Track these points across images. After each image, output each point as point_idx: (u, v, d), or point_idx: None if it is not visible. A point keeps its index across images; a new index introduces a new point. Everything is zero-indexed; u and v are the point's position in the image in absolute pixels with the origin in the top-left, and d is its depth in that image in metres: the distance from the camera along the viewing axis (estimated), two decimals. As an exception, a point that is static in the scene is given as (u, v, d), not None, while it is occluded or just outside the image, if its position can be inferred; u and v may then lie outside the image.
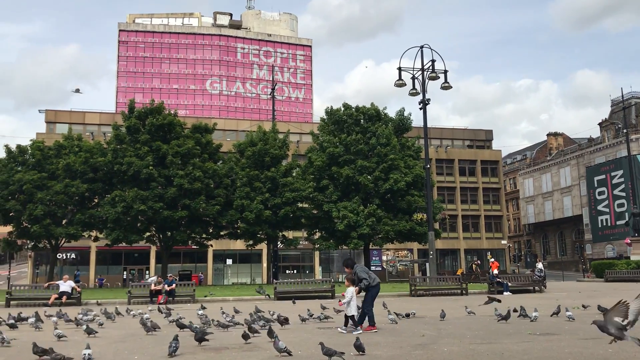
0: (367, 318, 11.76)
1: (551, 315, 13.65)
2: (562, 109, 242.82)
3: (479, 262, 50.64)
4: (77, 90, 32.19)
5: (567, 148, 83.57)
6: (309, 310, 14.30)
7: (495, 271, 29.58)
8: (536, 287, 28.10)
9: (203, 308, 15.98)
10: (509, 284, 27.01)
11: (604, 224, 68.24)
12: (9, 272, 59.07)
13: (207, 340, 9.82)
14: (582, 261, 68.51)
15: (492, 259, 37.22)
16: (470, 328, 11.96)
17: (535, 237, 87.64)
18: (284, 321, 12.31)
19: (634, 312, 6.73)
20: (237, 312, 15.68)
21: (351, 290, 11.63)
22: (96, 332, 11.57)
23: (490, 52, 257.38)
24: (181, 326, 11.65)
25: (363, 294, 12.13)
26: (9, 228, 40.35)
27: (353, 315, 11.55)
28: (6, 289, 32.65)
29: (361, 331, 11.19)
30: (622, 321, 6.77)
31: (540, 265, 34.11)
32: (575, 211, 75.18)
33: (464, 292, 26.02)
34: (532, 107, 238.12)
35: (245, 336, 9.82)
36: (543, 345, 9.23)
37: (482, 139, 73.17)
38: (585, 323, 12.45)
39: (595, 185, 68.79)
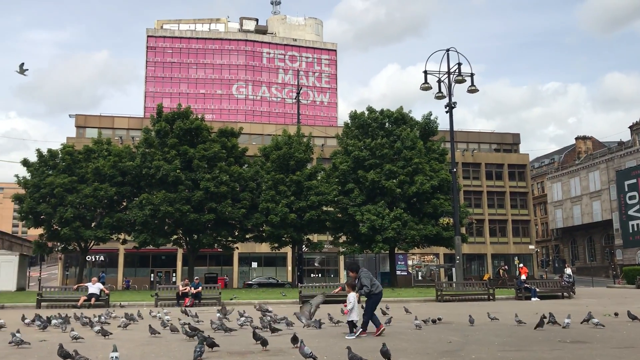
0: (370, 322, 11.80)
1: (582, 322, 13.32)
2: (591, 112, 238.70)
3: (506, 267, 49.90)
4: (22, 68, 29.66)
5: (597, 152, 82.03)
6: (329, 314, 14.32)
7: (523, 276, 29.14)
8: (565, 293, 27.60)
9: (223, 312, 16.02)
10: (537, 290, 26.60)
11: (635, 229, 66.73)
12: (40, 273, 60.27)
13: (218, 346, 9.74)
14: (612, 267, 67.07)
15: (521, 264, 36.68)
16: (498, 335, 11.78)
17: (563, 242, 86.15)
18: (277, 326, 12.41)
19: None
20: (242, 315, 15.67)
21: (353, 296, 11.58)
22: (111, 334, 11.76)
23: (517, 55, 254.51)
24: (190, 334, 11.31)
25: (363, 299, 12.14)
26: (40, 230, 41.15)
27: (353, 321, 11.56)
28: (37, 290, 33.29)
29: (354, 337, 11.28)
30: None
31: (568, 270, 33.49)
32: (604, 216, 73.69)
33: (491, 297, 25.70)
34: (560, 111, 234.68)
35: (258, 339, 9.84)
36: (574, 354, 9.04)
37: (509, 142, 72.26)
38: (618, 331, 12.19)
39: (626, 190, 67.33)
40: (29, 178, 39.46)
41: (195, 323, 13.98)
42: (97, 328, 11.87)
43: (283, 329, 12.37)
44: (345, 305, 11.69)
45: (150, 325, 12.23)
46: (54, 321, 13.51)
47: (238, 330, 12.56)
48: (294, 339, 9.44)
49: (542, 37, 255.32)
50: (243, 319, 13.72)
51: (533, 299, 25.71)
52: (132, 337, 11.99)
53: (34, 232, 46.39)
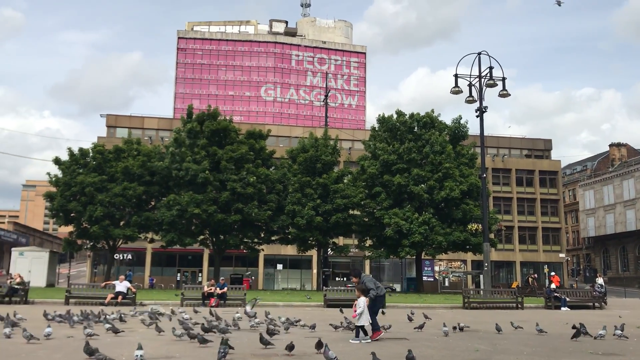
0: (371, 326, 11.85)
1: (614, 334, 12.92)
2: (626, 118, 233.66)
3: (535, 275, 49.04)
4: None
5: (632, 159, 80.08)
6: (346, 318, 14.21)
7: (553, 285, 28.54)
8: (596, 303, 26.92)
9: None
10: (567, 299, 25.99)
11: (671, 239, 64.97)
12: (69, 270, 61.31)
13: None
14: (646, 278, 65.37)
15: (553, 273, 35.93)
16: (527, 344, 11.47)
17: (595, 251, 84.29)
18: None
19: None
20: (251, 316, 15.62)
21: (363, 300, 11.63)
22: (122, 331, 11.86)
23: (550, 60, 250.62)
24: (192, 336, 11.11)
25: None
26: (70, 228, 41.79)
27: (363, 326, 11.58)
28: (66, 287, 33.83)
29: (359, 341, 11.34)
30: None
31: (600, 280, 32.70)
32: (639, 225, 71.91)
33: (519, 306, 25.20)
34: (594, 117, 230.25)
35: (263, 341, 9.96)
36: (607, 367, 8.72)
37: (541, 148, 71.04)
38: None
39: (662, 199, 65.62)
40: (60, 176, 40.12)
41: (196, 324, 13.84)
42: (108, 326, 11.98)
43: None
44: (355, 310, 11.69)
45: (156, 324, 12.25)
46: (74, 318, 13.63)
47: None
48: (319, 345, 9.26)
49: (576, 42, 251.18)
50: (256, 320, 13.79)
51: (563, 308, 25.14)
52: (156, 336, 11.99)
53: (64, 230, 47.17)
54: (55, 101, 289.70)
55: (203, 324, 12.34)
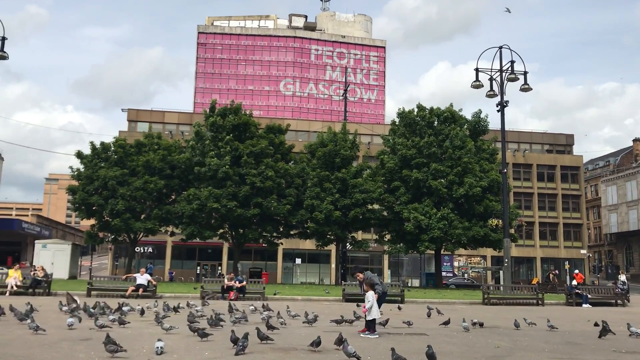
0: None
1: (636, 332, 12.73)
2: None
3: (556, 271, 48.52)
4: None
5: (656, 154, 78.68)
6: (355, 312, 14.24)
7: (574, 282, 28.20)
8: (619, 301, 26.55)
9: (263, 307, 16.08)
10: (589, 296, 25.69)
11: (696, 236, 63.79)
12: (91, 263, 62.17)
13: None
14: (669, 275, 64.29)
15: (577, 271, 35.45)
16: (548, 341, 11.37)
17: (617, 248, 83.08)
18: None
19: None
20: (267, 309, 15.68)
21: (371, 295, 11.79)
22: (128, 322, 12.03)
23: (572, 54, 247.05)
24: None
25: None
26: (92, 221, 42.33)
27: (374, 319, 11.75)
28: (87, 279, 34.28)
29: (377, 335, 11.48)
30: None
31: (623, 277, 32.30)
32: (663, 222, 70.71)
33: (540, 302, 24.98)
34: (617, 112, 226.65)
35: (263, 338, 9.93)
36: (630, 365, 8.61)
37: (563, 143, 70.12)
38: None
39: (687, 195, 64.41)
40: (83, 170, 40.63)
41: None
42: (113, 317, 12.28)
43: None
44: (365, 305, 11.87)
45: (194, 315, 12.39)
46: (90, 311, 13.82)
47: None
48: (339, 341, 9.15)
49: (599, 35, 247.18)
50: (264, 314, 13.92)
51: (584, 305, 24.86)
52: (180, 329, 12.11)
53: (86, 223, 47.78)
54: (78, 96, 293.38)
55: (211, 317, 12.42)
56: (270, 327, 11.40)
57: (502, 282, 42.49)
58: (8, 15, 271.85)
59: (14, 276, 23.83)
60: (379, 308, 12.03)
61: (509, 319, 14.92)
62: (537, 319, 14.95)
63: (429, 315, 16.12)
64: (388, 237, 42.78)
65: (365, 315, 11.89)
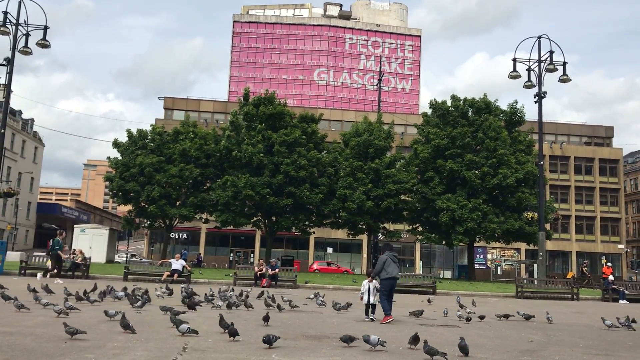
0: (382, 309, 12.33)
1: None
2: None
3: (586, 262, 47.51)
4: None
5: (700, 148, 76.19)
6: (348, 302, 14.40)
7: (611, 277, 27.63)
8: (658, 298, 25.93)
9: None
10: (626, 292, 25.17)
11: None
12: (127, 247, 63.51)
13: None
14: None
15: (609, 264, 34.60)
16: (583, 337, 11.24)
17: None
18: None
19: None
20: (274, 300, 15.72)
21: (365, 282, 12.63)
22: (140, 308, 12.18)
23: (614, 45, 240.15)
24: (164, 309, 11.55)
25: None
26: (129, 207, 43.25)
27: (369, 304, 12.48)
28: (124, 263, 35.12)
29: (369, 319, 12.29)
30: None
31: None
32: None
33: (574, 297, 24.62)
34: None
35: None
36: (668, 363, 8.46)
37: (602, 135, 68.52)
38: None
39: None
40: (120, 158, 41.49)
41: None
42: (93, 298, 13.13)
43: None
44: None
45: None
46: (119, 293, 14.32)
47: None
48: (414, 339, 8.61)
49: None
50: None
51: (621, 301, 24.38)
52: (208, 313, 12.34)
53: (123, 208, 48.81)
54: (120, 85, 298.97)
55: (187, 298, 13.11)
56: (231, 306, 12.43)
57: (536, 276, 41.93)
58: (56, 6, 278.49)
59: (54, 259, 24.51)
60: (391, 295, 12.43)
61: (543, 313, 14.75)
62: (584, 314, 14.72)
63: (461, 306, 16.01)
64: (420, 228, 42.58)
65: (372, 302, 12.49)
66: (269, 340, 8.06)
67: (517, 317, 13.97)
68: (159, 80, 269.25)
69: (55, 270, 22.24)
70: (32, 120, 71.16)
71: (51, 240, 25.37)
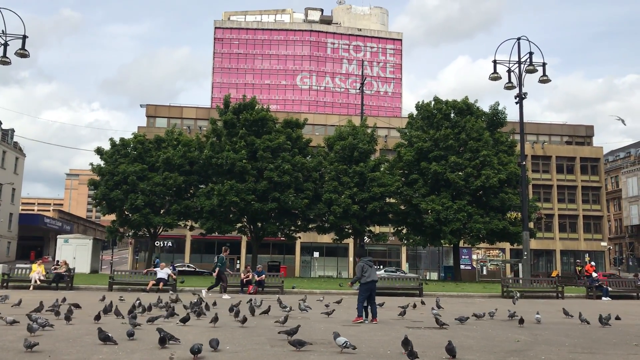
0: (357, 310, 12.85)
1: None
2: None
3: (579, 261, 48.17)
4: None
5: (678, 145, 77.42)
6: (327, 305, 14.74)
7: (594, 274, 27.95)
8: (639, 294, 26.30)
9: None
10: (610, 289, 25.47)
11: None
12: (112, 257, 62.94)
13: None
14: (692, 267, 63.37)
15: (592, 263, 35.00)
16: (568, 335, 11.34)
17: (638, 240, 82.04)
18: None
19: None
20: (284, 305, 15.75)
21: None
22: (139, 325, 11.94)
23: (592, 47, 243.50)
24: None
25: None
26: (113, 216, 42.87)
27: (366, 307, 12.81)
28: (109, 273, 34.77)
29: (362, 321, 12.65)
30: None
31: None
32: (685, 213, 69.66)
33: (559, 295, 24.84)
34: (638, 105, 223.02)
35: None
36: (652, 359, 8.57)
37: (582, 135, 69.39)
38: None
39: None
40: (103, 166, 41.12)
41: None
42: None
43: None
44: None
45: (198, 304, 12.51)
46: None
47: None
48: (405, 342, 8.35)
49: (620, 26, 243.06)
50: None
51: (604, 298, 24.66)
52: (202, 322, 12.27)
53: (107, 218, 48.41)
54: (105, 94, 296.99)
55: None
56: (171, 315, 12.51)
57: (521, 275, 42.26)
58: (43, 17, 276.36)
59: (37, 271, 24.27)
60: (372, 297, 12.80)
61: (528, 312, 14.87)
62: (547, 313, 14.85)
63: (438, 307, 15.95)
64: (406, 230, 42.72)
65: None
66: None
67: (504, 317, 14.06)
68: (145, 89, 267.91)
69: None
70: (13, 130, 70.26)
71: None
